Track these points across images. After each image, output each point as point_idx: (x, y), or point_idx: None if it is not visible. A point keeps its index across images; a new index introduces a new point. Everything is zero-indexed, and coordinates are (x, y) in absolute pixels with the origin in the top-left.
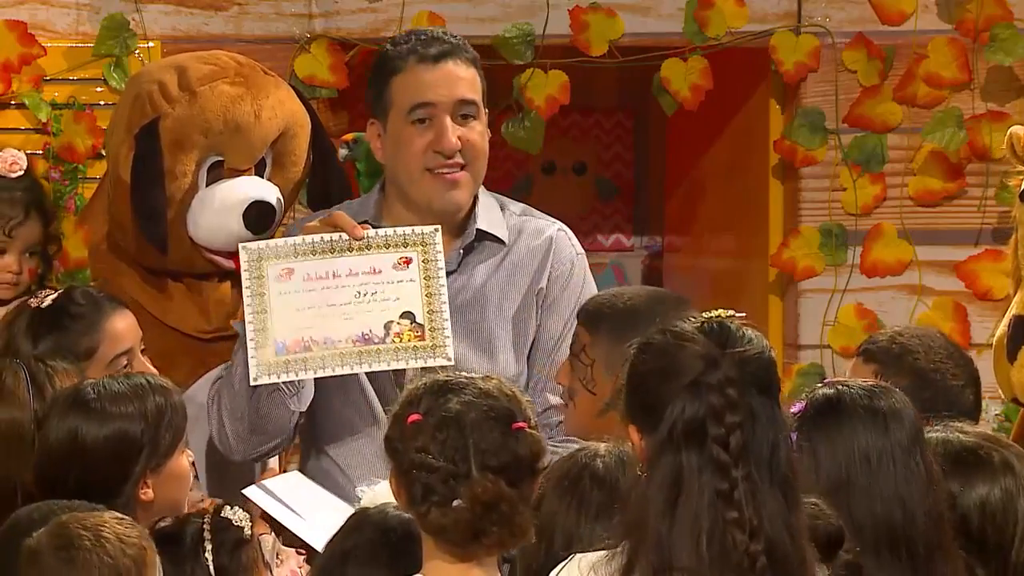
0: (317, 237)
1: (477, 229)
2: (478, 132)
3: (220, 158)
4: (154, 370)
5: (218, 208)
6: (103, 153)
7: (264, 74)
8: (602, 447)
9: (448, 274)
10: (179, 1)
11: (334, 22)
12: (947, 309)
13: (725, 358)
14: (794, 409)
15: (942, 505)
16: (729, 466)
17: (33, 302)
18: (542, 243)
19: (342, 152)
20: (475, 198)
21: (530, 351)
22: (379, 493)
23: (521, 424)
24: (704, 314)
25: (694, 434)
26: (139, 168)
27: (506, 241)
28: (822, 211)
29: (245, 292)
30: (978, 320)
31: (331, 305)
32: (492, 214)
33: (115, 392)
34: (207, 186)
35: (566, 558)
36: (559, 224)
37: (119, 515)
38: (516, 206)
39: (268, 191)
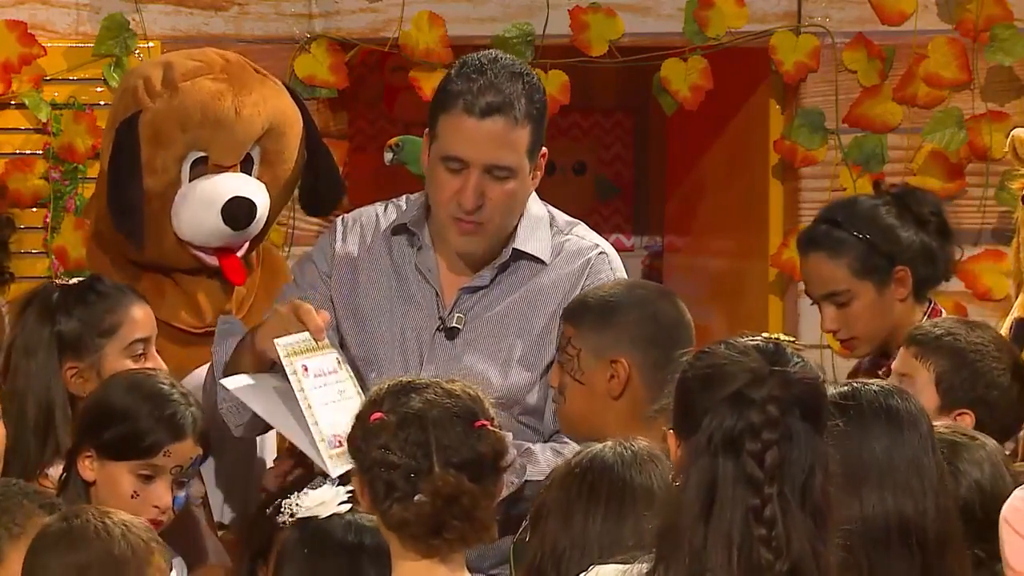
0: (304, 335)
1: (514, 249)
2: (506, 191)
3: (204, 154)
4: (164, 366)
5: (198, 203)
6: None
7: (253, 72)
8: (607, 448)
9: (479, 290)
10: (179, 1)
11: (334, 22)
12: (947, 309)
13: (772, 376)
14: None
15: (952, 502)
16: (762, 483)
17: (58, 282)
18: (579, 266)
19: (387, 156)
20: (521, 215)
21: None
22: (315, 498)
23: (483, 422)
24: (764, 334)
25: (730, 446)
26: (116, 161)
27: (547, 261)
28: None
29: (295, 388)
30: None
31: (337, 401)
32: (536, 233)
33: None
34: (191, 181)
35: (561, 557)
36: (604, 246)
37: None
38: (564, 221)
39: (250, 187)
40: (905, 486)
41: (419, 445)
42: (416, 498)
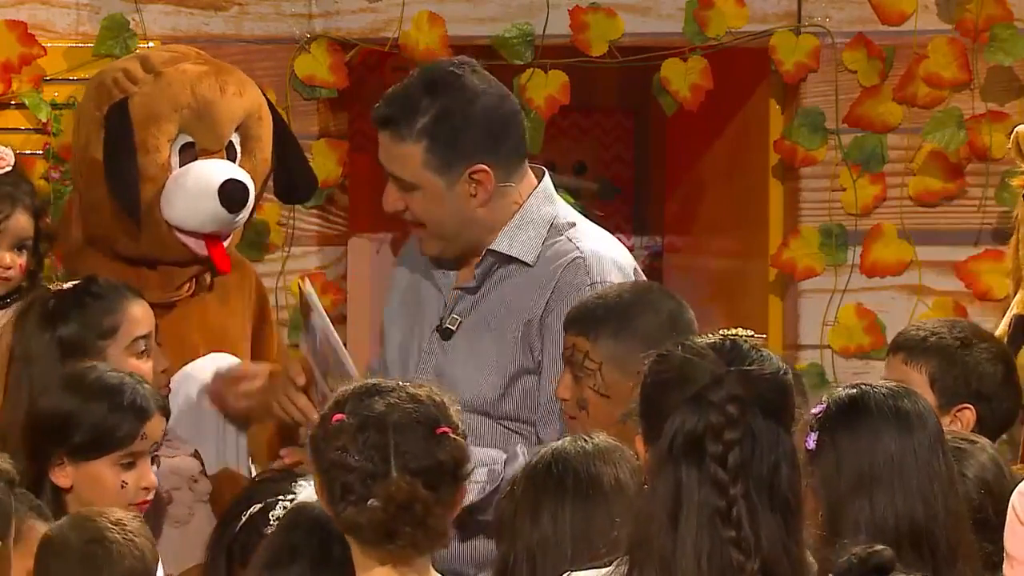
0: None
1: (489, 250)
2: (417, 202)
3: (190, 139)
4: (165, 362)
5: (192, 187)
6: None
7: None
8: (567, 443)
9: (469, 292)
10: (179, 1)
11: (334, 22)
12: (947, 309)
13: (730, 375)
14: (815, 410)
15: (963, 505)
16: (727, 484)
17: (53, 287)
18: (551, 271)
19: None
20: (512, 216)
21: (540, 376)
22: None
23: (445, 429)
24: (722, 331)
25: (693, 449)
26: (111, 142)
27: (530, 263)
28: (822, 211)
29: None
30: (978, 320)
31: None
32: (521, 235)
33: None
34: (180, 167)
35: (534, 555)
36: (591, 249)
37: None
38: (564, 222)
39: (240, 171)
40: (915, 489)
41: (377, 449)
42: (369, 503)
